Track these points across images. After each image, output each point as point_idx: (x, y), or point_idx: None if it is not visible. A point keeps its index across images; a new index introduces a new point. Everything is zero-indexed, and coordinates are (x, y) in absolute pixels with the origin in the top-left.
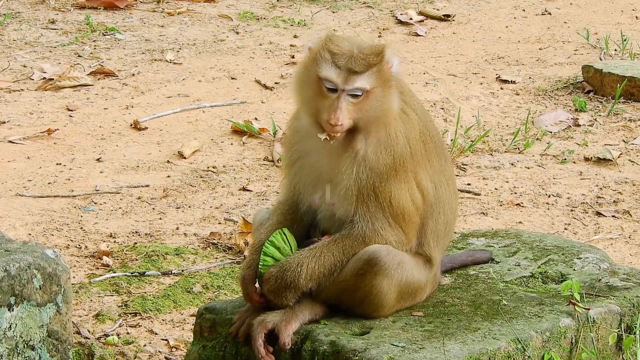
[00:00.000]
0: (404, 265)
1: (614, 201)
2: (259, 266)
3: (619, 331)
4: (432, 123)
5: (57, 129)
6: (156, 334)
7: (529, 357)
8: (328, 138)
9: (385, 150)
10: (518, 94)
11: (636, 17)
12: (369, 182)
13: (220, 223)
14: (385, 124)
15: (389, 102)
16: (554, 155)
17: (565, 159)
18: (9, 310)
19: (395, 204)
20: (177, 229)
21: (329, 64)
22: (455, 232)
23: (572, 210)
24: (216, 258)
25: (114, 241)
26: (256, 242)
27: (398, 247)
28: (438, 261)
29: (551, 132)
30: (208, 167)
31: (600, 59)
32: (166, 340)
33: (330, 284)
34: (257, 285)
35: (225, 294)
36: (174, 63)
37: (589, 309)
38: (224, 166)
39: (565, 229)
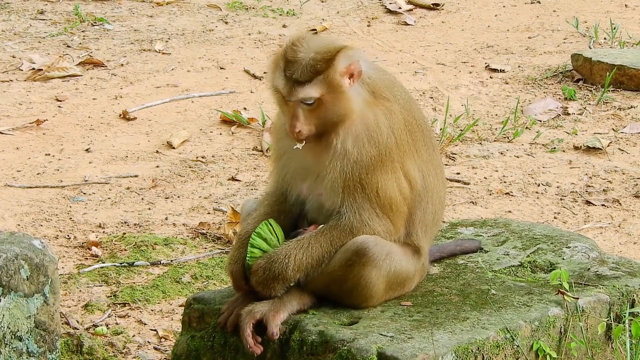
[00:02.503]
0: (393, 256)
1: (604, 190)
2: (247, 258)
3: (608, 320)
4: (419, 112)
5: (46, 120)
6: (145, 324)
7: (517, 346)
8: (299, 146)
9: (368, 143)
10: (507, 83)
11: (625, 5)
12: (354, 174)
13: (209, 213)
14: (352, 122)
15: (345, 105)
16: (543, 144)
17: (554, 148)
18: None
19: (383, 195)
20: (166, 219)
21: (280, 73)
22: (444, 222)
23: (561, 199)
24: (205, 248)
25: (103, 231)
26: (242, 234)
27: (386, 238)
28: (426, 251)
29: (540, 121)
30: (197, 157)
31: (590, 48)
32: (155, 330)
33: (318, 275)
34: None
35: (214, 284)
36: (163, 53)
37: (578, 298)
38: (213, 156)
39: (555, 218)
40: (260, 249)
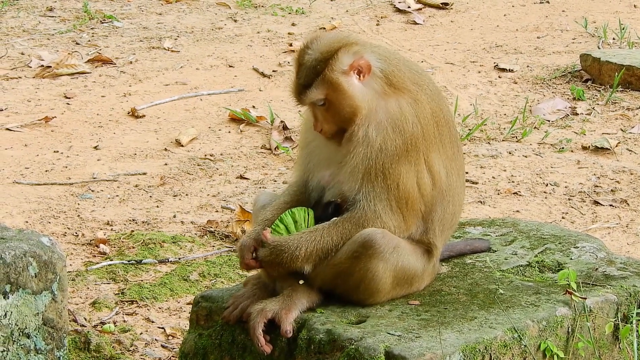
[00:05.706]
0: (400, 250)
1: (612, 190)
2: (272, 227)
3: (615, 320)
4: (447, 107)
5: (55, 117)
6: (153, 322)
7: (525, 346)
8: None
9: (392, 131)
10: (516, 83)
11: (634, 5)
12: (377, 163)
13: (217, 211)
14: (372, 112)
15: (351, 102)
16: (551, 144)
17: (562, 148)
18: (4, 298)
19: (403, 188)
20: (174, 217)
21: (293, 77)
22: None
23: (569, 199)
24: (213, 246)
25: (111, 229)
26: (261, 220)
27: (395, 233)
28: (439, 251)
29: (549, 121)
30: (205, 155)
31: (599, 48)
32: (162, 328)
33: (325, 267)
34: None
35: (222, 282)
36: (172, 51)
37: (585, 298)
38: (221, 154)
39: (563, 217)
40: (287, 227)
